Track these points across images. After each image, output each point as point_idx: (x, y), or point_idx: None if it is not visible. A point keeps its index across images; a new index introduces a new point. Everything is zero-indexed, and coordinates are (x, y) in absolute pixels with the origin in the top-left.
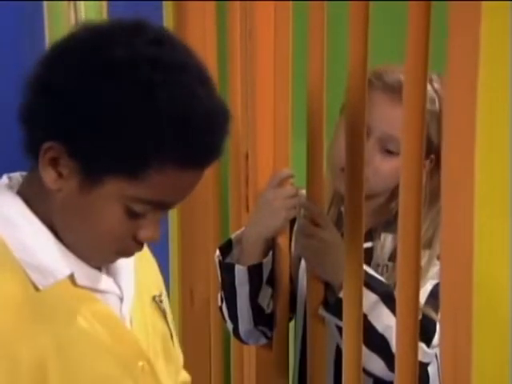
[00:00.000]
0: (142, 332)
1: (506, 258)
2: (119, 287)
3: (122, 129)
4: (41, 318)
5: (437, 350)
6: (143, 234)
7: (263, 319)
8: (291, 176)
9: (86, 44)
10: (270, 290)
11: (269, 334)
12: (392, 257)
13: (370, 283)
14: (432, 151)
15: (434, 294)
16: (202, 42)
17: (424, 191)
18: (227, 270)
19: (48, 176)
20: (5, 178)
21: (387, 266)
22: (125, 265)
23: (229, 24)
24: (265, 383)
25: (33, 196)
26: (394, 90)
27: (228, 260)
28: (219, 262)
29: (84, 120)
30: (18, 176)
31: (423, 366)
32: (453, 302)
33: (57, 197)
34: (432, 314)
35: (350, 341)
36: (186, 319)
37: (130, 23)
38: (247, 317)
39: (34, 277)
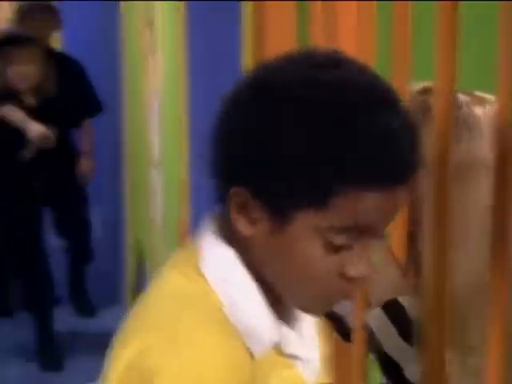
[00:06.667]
0: None
1: None
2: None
3: (302, 160)
4: None
5: None
6: (350, 269)
7: None
8: None
9: (264, 83)
10: None
11: None
12: None
13: None
14: None
15: None
16: (280, 42)
17: None
18: None
19: (241, 222)
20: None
21: None
22: (306, 322)
23: (310, 25)
24: None
25: (235, 246)
26: None
27: None
28: None
29: (266, 160)
30: (208, 219)
31: None
32: None
33: (253, 244)
34: None
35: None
36: None
37: (298, 53)
38: None
39: (249, 343)
